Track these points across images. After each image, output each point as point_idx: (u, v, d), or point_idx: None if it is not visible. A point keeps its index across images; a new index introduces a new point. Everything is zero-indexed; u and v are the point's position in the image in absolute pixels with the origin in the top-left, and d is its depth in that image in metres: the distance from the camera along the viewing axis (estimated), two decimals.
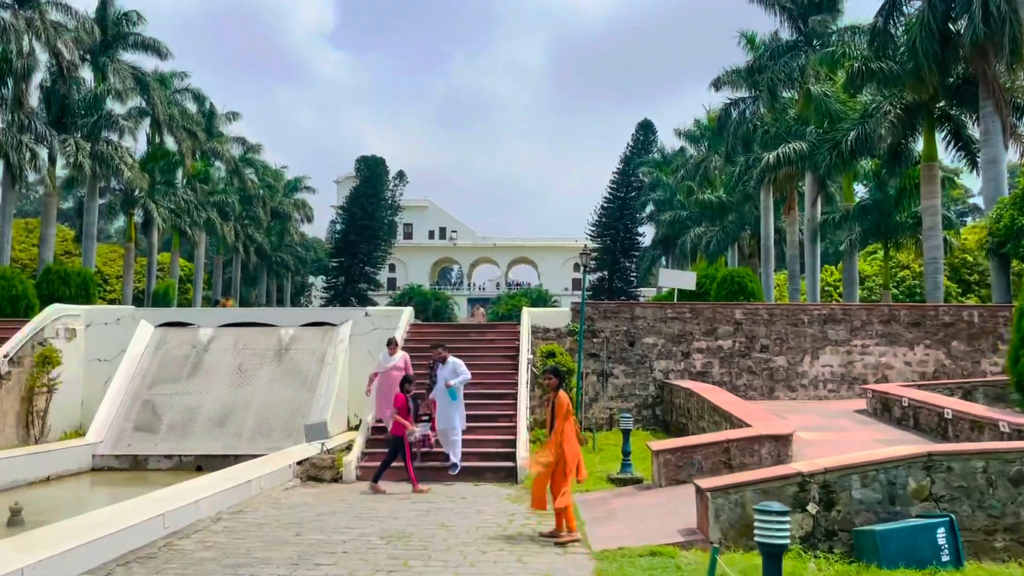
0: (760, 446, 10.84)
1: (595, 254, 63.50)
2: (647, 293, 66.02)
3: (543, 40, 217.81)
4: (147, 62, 42.93)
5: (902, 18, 25.89)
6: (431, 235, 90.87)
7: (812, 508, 7.94)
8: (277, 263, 66.61)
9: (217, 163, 55.26)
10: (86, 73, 37.93)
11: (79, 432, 16.93)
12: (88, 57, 37.80)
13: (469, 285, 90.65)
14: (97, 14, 38.43)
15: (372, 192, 73.05)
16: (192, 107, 50.44)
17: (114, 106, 37.63)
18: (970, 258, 40.23)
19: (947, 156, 28.09)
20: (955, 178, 40.72)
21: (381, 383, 13.98)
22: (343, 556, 7.85)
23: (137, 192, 42.22)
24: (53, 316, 17.62)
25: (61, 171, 37.41)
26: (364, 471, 12.88)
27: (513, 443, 13.63)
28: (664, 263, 55.66)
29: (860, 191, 38.17)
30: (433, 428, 13.05)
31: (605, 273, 71.25)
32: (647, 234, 70.30)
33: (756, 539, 5.71)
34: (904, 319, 18.75)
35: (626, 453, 12.06)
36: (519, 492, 11.66)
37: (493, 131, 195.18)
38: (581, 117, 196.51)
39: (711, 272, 27.45)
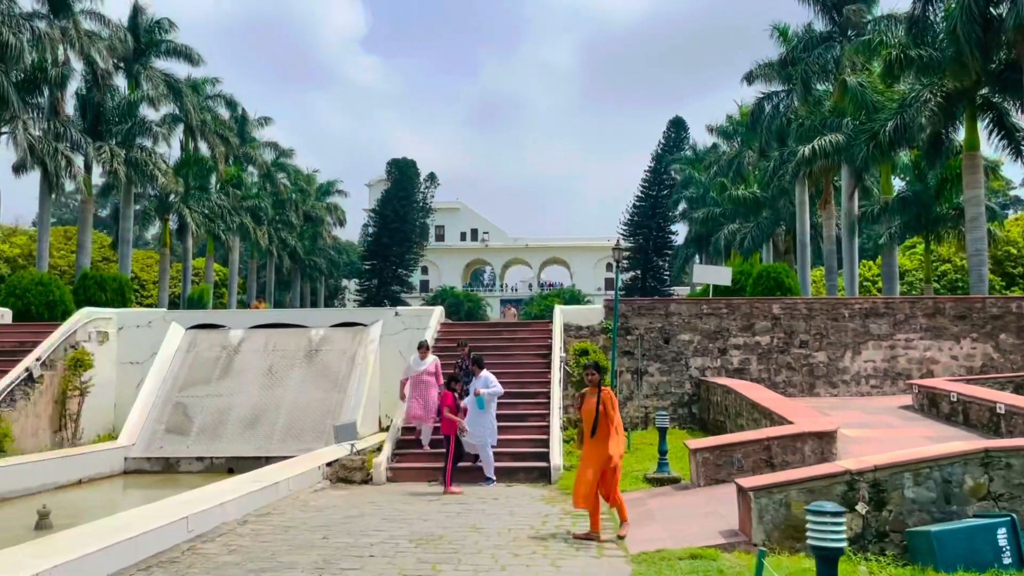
0: (803, 444, 10.40)
1: (627, 253, 62.87)
2: (681, 292, 65.27)
3: (572, 41, 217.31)
4: (179, 69, 43.30)
5: (941, 3, 25.14)
6: (463, 237, 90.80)
7: (862, 508, 7.52)
8: (310, 266, 66.98)
9: (250, 168, 55.70)
10: (120, 81, 38.39)
11: (112, 435, 16.97)
12: (122, 65, 38.20)
13: (501, 286, 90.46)
14: (130, 22, 38.82)
15: (403, 195, 73.24)
16: (224, 113, 50.84)
17: (147, 113, 38.03)
18: (1014, 250, 39.09)
19: (989, 147, 27.22)
20: (997, 168, 39.56)
21: (413, 387, 13.65)
22: (370, 560, 7.60)
23: (171, 198, 42.63)
24: (85, 319, 17.70)
25: (98, 179, 37.94)
26: (394, 472, 12.67)
27: (546, 443, 13.32)
28: (698, 261, 54.94)
29: (897, 184, 37.25)
30: (443, 429, 12.70)
31: (638, 272, 70.61)
32: (680, 232, 69.59)
33: (809, 542, 5.33)
34: (950, 312, 18.10)
35: (662, 452, 11.67)
36: (552, 493, 11.34)
37: (524, 132, 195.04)
38: (611, 117, 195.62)
39: (746, 268, 26.93)
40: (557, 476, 12.24)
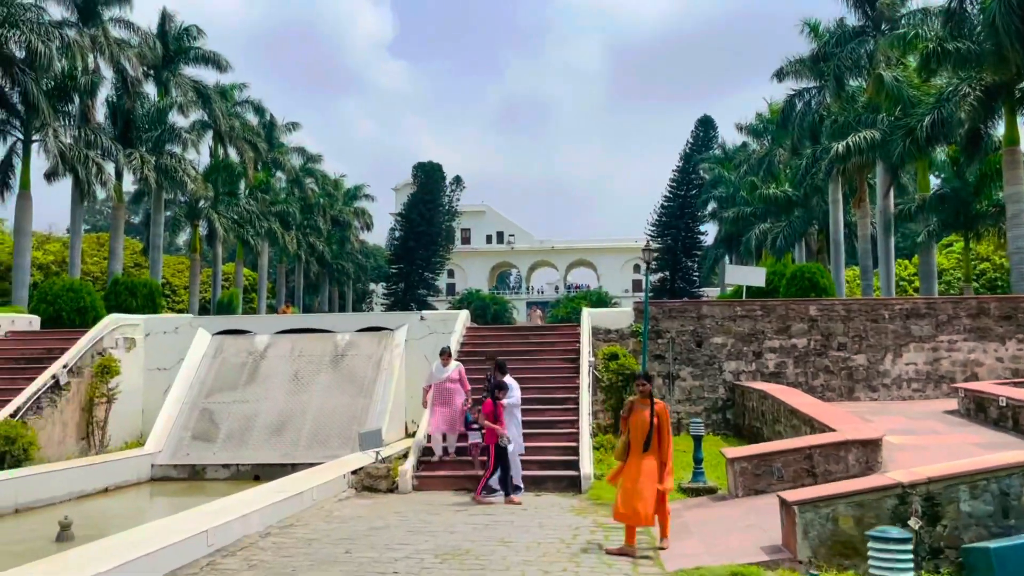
0: (846, 452, 9.93)
1: (656, 254, 62.22)
2: (710, 293, 64.43)
3: (599, 42, 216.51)
4: (208, 75, 43.59)
5: None
6: (489, 240, 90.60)
7: (914, 523, 7.07)
8: (338, 271, 67.19)
9: (278, 173, 55.99)
10: (149, 88, 38.69)
11: (139, 442, 16.87)
12: (151, 72, 38.51)
13: (528, 289, 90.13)
14: (159, 30, 39.14)
15: (429, 198, 73.24)
16: (253, 118, 51.15)
17: (177, 119, 38.30)
18: None
19: None
20: None
21: (435, 396, 13.12)
22: None
23: (201, 204, 42.91)
24: (112, 326, 17.66)
25: (130, 186, 38.25)
26: (421, 481, 12.37)
27: (575, 450, 12.93)
28: (728, 261, 54.16)
29: (933, 182, 36.36)
30: (486, 439, 12.29)
31: (667, 273, 69.84)
32: (709, 232, 68.75)
33: (871, 572, 4.91)
34: (995, 312, 17.43)
35: (698, 461, 11.26)
36: (583, 503, 10.97)
37: (550, 134, 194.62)
38: (638, 118, 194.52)
39: (779, 268, 26.30)
40: (587, 486, 11.85)
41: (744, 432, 16.49)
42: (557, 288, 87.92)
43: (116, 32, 34.09)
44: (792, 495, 7.44)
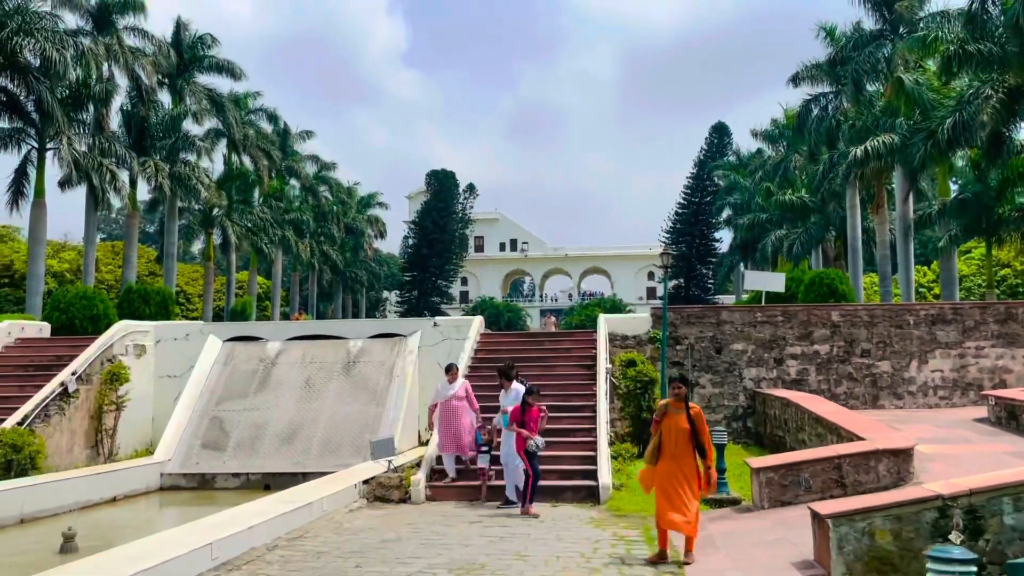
0: (877, 462, 9.54)
1: (670, 261, 61.77)
2: (725, 300, 63.90)
3: (612, 50, 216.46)
4: (222, 84, 43.62)
5: None
6: (502, 247, 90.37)
7: (955, 537, 6.66)
8: (351, 278, 67.09)
9: (292, 181, 55.98)
10: (164, 96, 38.71)
11: (149, 450, 16.66)
12: (165, 80, 38.54)
13: (541, 296, 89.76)
14: (173, 38, 39.14)
15: (443, 206, 73.14)
16: (267, 127, 51.15)
17: (191, 127, 38.29)
18: None
19: None
20: None
21: (441, 415, 12.48)
22: None
23: (215, 212, 42.89)
24: (121, 333, 17.47)
25: (145, 195, 38.29)
26: (434, 491, 12.04)
27: (593, 459, 12.55)
28: (743, 268, 53.68)
29: (952, 187, 35.82)
30: (516, 448, 11.86)
31: (681, 280, 69.38)
32: (724, 239, 68.27)
33: None
34: (1023, 317, 16.94)
35: (721, 471, 10.85)
36: (602, 515, 10.60)
37: (563, 142, 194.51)
38: (652, 126, 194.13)
39: (797, 275, 25.86)
40: (606, 496, 11.48)
41: (765, 441, 16.07)
42: (571, 296, 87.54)
43: (130, 40, 34.12)
44: (825, 508, 7.06)
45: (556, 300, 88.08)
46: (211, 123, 42.15)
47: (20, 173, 30.64)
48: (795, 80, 38.04)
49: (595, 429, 13.52)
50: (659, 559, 7.94)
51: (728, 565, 7.55)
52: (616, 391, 15.58)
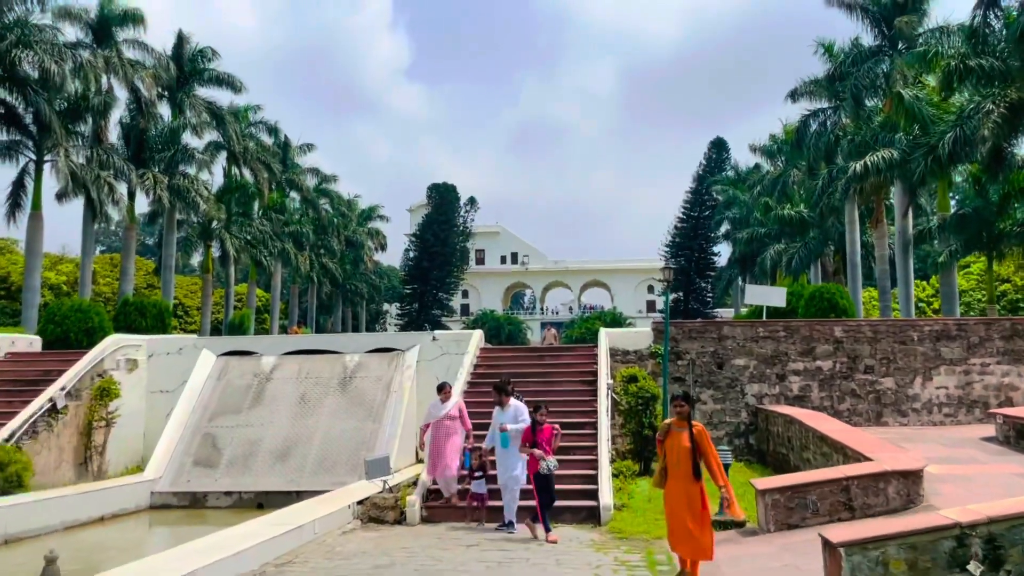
0: (886, 484, 9.27)
1: (671, 276, 61.56)
2: (724, 314, 63.69)
3: (613, 65, 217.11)
4: (222, 96, 43.52)
5: (1000, 12, 23.89)
6: (503, 260, 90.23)
7: (975, 568, 6.39)
8: (351, 291, 66.83)
9: (292, 194, 55.82)
10: (163, 109, 38.59)
11: (140, 467, 16.32)
12: (165, 93, 38.42)
13: (542, 309, 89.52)
14: (174, 51, 39.04)
15: (444, 219, 73.03)
16: (267, 139, 51.02)
17: (191, 140, 38.14)
18: None
19: None
20: None
21: (433, 436, 11.95)
22: None
23: (214, 225, 42.69)
24: (113, 347, 17.17)
25: (146, 207, 38.11)
26: (430, 511, 11.74)
27: (594, 479, 12.27)
28: (741, 282, 53.56)
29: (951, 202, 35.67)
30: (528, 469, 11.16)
31: (680, 294, 69.19)
32: (723, 253, 68.19)
33: None
34: None
35: None
36: (603, 537, 10.30)
37: (564, 156, 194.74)
38: (652, 140, 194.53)
39: (797, 289, 25.65)
40: (607, 517, 11.18)
41: (768, 459, 15.79)
42: (571, 309, 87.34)
43: (130, 53, 34.02)
44: (836, 534, 6.77)
45: (557, 313, 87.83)
46: (211, 136, 42.04)
47: (17, 185, 30.44)
48: (794, 96, 38.01)
49: (596, 447, 13.23)
50: None
51: None
52: (617, 407, 15.31)
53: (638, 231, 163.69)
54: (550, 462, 10.29)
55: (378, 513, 11.51)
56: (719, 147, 70.98)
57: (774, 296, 20.36)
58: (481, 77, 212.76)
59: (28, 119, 29.92)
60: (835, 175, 34.33)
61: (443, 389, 12.46)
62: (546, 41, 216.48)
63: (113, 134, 34.84)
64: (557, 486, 11.79)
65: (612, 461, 13.59)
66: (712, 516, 10.34)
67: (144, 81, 33.61)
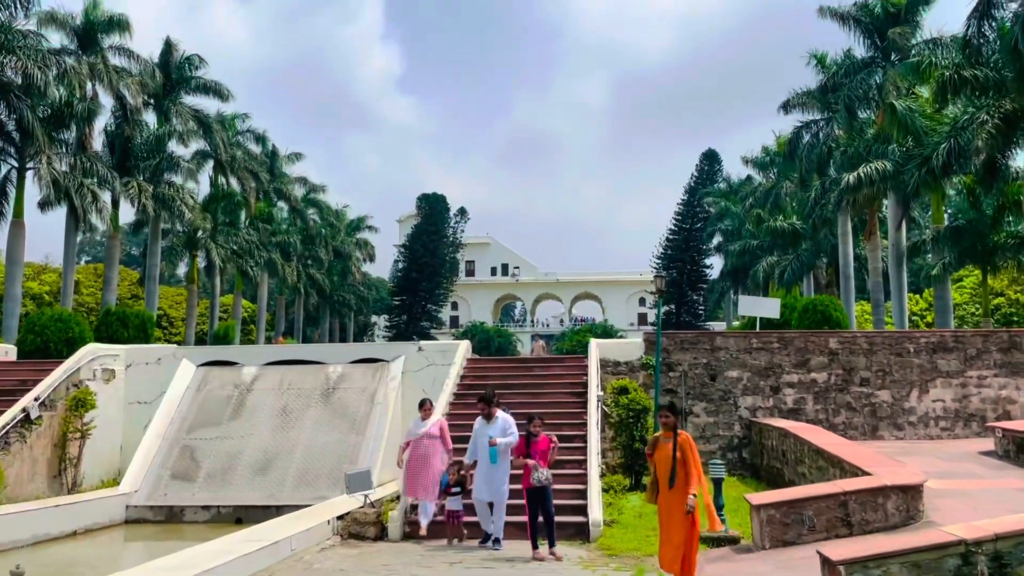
0: (885, 499, 8.92)
1: (664, 285, 61.35)
2: (716, 327, 63.48)
3: (605, 78, 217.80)
4: (210, 105, 43.15)
5: (994, 23, 23.79)
6: (493, 272, 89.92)
7: None
8: (339, 302, 66.31)
9: (280, 203, 55.41)
10: (150, 117, 38.20)
11: (117, 480, 15.81)
12: (151, 101, 38.03)
13: (532, 322, 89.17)
14: (161, 59, 38.70)
15: (433, 229, 72.66)
16: (255, 148, 50.66)
17: (177, 149, 37.76)
18: None
19: None
20: None
21: (412, 455, 11.19)
22: None
23: (199, 234, 42.22)
24: (89, 356, 16.69)
25: (131, 216, 37.67)
26: (412, 527, 11.29)
27: (583, 493, 11.86)
28: (733, 295, 53.38)
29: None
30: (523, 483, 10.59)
31: (672, 306, 68.98)
32: (715, 265, 68.09)
33: None
34: None
35: (718, 507, 10.18)
36: (592, 554, 9.90)
37: (556, 168, 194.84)
38: (644, 153, 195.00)
39: (790, 301, 25.40)
40: (597, 533, 10.77)
41: (762, 473, 15.43)
42: (562, 321, 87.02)
43: (116, 60, 33.66)
44: (836, 552, 6.42)
45: (547, 325, 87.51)
46: (198, 144, 41.68)
47: None
48: (786, 107, 37.96)
49: (586, 460, 12.85)
50: None
51: None
52: (608, 420, 14.94)
53: (630, 243, 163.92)
54: (542, 474, 9.80)
55: (359, 529, 11.07)
56: (711, 159, 71.03)
57: (767, 307, 20.09)
58: (473, 89, 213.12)
59: (11, 126, 29.42)
60: (828, 187, 34.21)
61: (423, 406, 11.74)
62: (539, 53, 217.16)
63: (98, 142, 34.39)
64: None
65: (602, 475, 13.20)
66: (703, 531, 10.02)
67: (130, 88, 33.25)
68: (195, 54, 40.48)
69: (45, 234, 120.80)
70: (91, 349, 17.07)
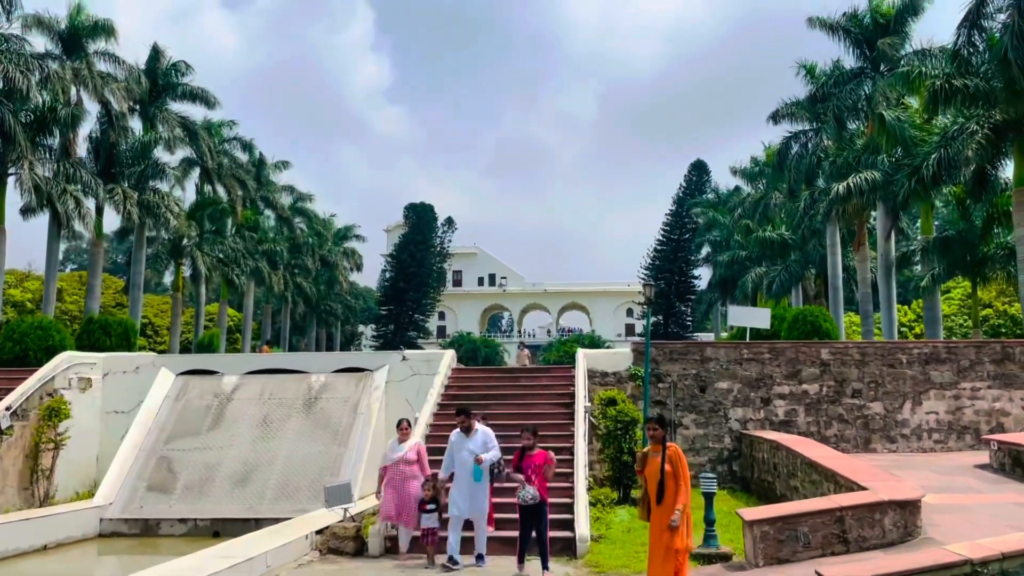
0: (882, 515, 8.63)
1: (653, 293, 61.15)
2: (705, 338, 63.33)
3: (594, 89, 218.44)
4: (196, 112, 42.77)
5: (983, 33, 23.77)
6: (480, 282, 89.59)
7: None
8: (326, 312, 65.79)
9: (267, 212, 54.98)
10: (135, 123, 37.78)
11: (92, 492, 15.37)
12: (136, 107, 37.62)
13: (520, 332, 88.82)
14: (148, 65, 38.32)
15: (421, 239, 72.28)
16: (242, 156, 50.24)
17: (163, 155, 37.31)
18: None
19: None
20: None
21: (389, 481, 10.58)
22: None
23: (185, 242, 41.73)
24: (65, 364, 16.25)
25: (115, 223, 37.17)
26: (393, 543, 10.90)
27: (570, 507, 11.52)
28: (722, 306, 53.28)
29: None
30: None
31: (660, 317, 68.73)
32: (703, 277, 68.00)
33: None
34: (1020, 358, 16.24)
35: (709, 522, 9.86)
36: (579, 571, 9.57)
37: (544, 179, 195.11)
38: (632, 164, 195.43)
39: (779, 312, 25.21)
40: (584, 549, 10.42)
41: (752, 486, 15.14)
42: (549, 331, 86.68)
43: (102, 65, 33.26)
44: (836, 571, 6.13)
45: (534, 336, 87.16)
46: (184, 151, 41.27)
47: None
48: (775, 117, 37.90)
49: (572, 473, 12.51)
50: None
51: None
52: (595, 431, 14.62)
53: (618, 254, 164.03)
54: (527, 492, 9.24)
55: (338, 544, 10.68)
56: (699, 169, 70.98)
57: (758, 317, 19.84)
58: (462, 99, 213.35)
59: None
60: (817, 197, 34.15)
61: (400, 426, 11.09)
62: (527, 64, 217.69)
63: (82, 148, 33.92)
64: None
65: (589, 489, 12.86)
66: (695, 548, 9.70)
67: (115, 94, 32.88)
68: (182, 60, 40.11)
69: (31, 240, 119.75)
70: (67, 357, 16.63)
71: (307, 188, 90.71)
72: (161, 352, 42.03)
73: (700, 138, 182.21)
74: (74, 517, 13.42)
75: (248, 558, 9.09)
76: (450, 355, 17.56)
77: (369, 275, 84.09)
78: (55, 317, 30.93)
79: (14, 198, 29.56)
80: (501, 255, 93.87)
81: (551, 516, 11.00)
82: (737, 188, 55.26)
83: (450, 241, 76.26)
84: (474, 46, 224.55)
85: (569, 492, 12.00)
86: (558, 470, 12.52)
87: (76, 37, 32.80)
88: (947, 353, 16.48)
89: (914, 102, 31.35)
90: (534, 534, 9.43)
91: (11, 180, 29.30)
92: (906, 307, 47.56)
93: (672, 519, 7.34)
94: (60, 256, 37.82)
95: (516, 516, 9.81)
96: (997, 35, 22.89)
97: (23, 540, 12.10)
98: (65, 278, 53.70)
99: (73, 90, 31.87)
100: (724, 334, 47.19)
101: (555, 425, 14.59)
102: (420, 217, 73.45)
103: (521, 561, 9.46)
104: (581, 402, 14.69)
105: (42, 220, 31.60)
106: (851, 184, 29.36)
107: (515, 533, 9.86)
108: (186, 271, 43.98)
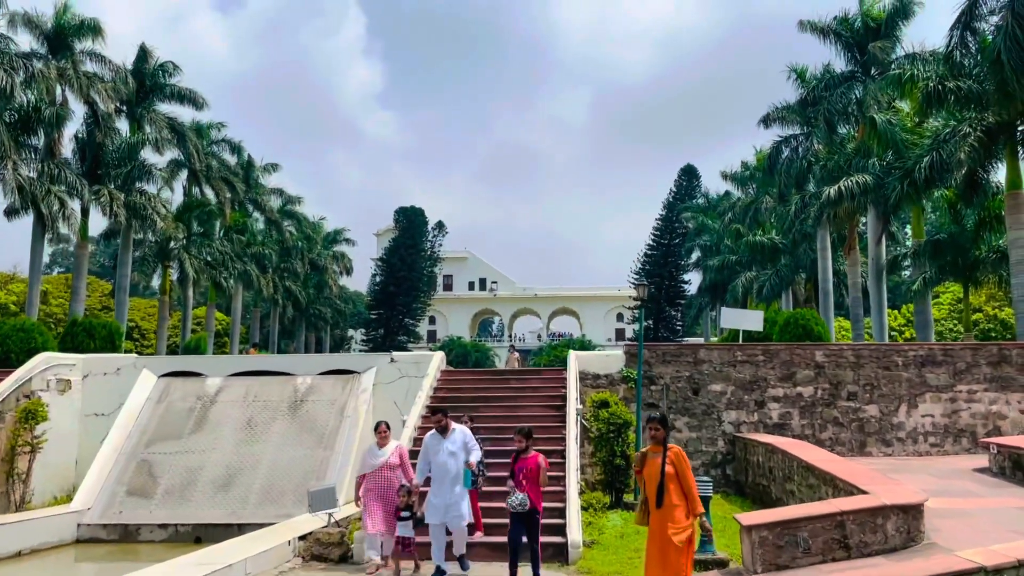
0: (884, 520, 8.36)
1: (637, 303, 61.02)
2: (694, 343, 63.19)
3: (586, 94, 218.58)
4: (184, 113, 42.34)
5: (976, 35, 23.69)
6: (471, 286, 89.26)
7: None
8: (315, 315, 65.33)
9: (256, 214, 54.54)
10: (122, 124, 37.33)
11: (71, 497, 14.96)
12: (123, 108, 37.18)
13: (510, 336, 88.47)
14: (135, 65, 37.87)
15: (411, 243, 71.92)
16: (230, 158, 49.81)
17: (150, 157, 36.85)
18: None
19: None
20: None
21: (371, 489, 9.86)
22: None
23: (172, 244, 41.25)
24: (43, 366, 15.83)
25: (102, 225, 36.68)
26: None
27: (561, 512, 11.22)
28: (712, 311, 53.16)
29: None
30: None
31: (650, 322, 68.57)
32: (693, 281, 67.95)
33: None
34: (1017, 360, 16.05)
35: (706, 528, 9.56)
36: None
37: (535, 184, 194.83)
38: (623, 169, 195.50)
39: (770, 315, 25.02)
40: (576, 555, 10.12)
41: (747, 490, 14.87)
42: (540, 336, 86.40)
43: (88, 65, 32.85)
44: None
45: (524, 340, 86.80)
46: (172, 153, 40.79)
47: None
48: (766, 121, 37.84)
49: (564, 477, 12.20)
50: None
51: None
52: (587, 434, 14.32)
53: (608, 259, 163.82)
54: (515, 499, 8.85)
55: (321, 550, 10.33)
56: (689, 174, 70.97)
57: (751, 320, 19.61)
58: (454, 104, 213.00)
59: None
60: (808, 201, 34.04)
61: (378, 429, 10.24)
62: (520, 69, 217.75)
63: (67, 148, 33.49)
64: None
65: (581, 493, 12.57)
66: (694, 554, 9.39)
67: (101, 94, 32.45)
68: (169, 61, 39.66)
69: (17, 242, 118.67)
70: (45, 358, 16.21)
71: (297, 191, 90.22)
72: (149, 355, 41.53)
73: (691, 143, 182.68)
74: (51, 522, 13.03)
75: (227, 565, 8.74)
76: (439, 357, 17.23)
77: (359, 279, 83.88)
78: (39, 320, 30.46)
79: None
80: (492, 260, 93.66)
81: (543, 521, 10.66)
82: (727, 193, 55.26)
83: (441, 245, 75.92)
84: (466, 51, 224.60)
85: (561, 496, 11.69)
86: (551, 474, 12.25)
87: (62, 36, 32.37)
88: (943, 355, 16.27)
89: (905, 106, 31.32)
90: (525, 539, 9.09)
91: None
92: (895, 311, 47.54)
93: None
94: (47, 259, 37.41)
95: (505, 521, 9.44)
96: (990, 37, 22.83)
97: None
98: (51, 280, 53.12)
99: (58, 89, 31.44)
100: (715, 338, 46.99)
101: (547, 428, 14.27)
102: (411, 221, 73.10)
103: (513, 571, 9.12)
104: (573, 405, 14.40)
105: (24, 221, 31.14)
106: (842, 188, 29.27)
107: (503, 539, 9.48)
108: (173, 274, 43.50)
